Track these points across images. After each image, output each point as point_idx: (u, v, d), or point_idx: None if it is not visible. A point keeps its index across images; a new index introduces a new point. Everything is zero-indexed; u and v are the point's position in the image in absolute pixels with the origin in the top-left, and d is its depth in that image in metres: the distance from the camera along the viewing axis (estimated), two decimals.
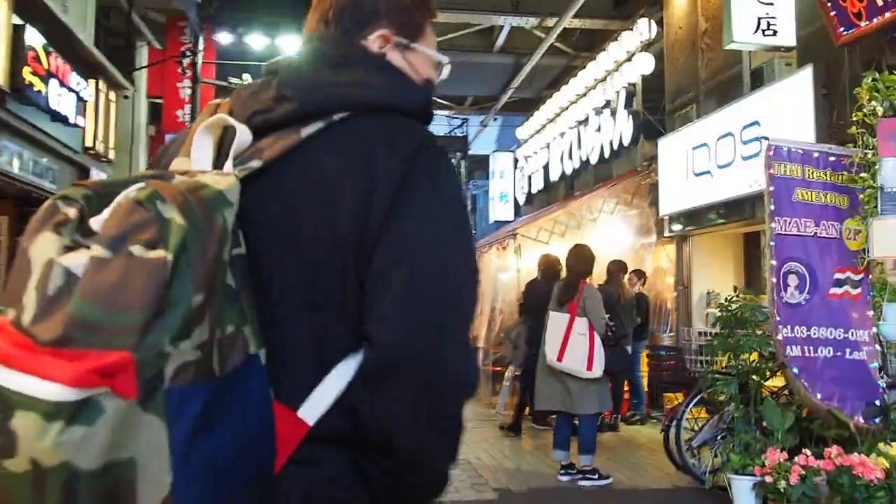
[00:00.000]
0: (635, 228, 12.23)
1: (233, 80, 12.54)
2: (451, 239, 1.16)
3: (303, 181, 1.13)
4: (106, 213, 0.98)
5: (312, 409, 1.10)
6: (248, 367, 1.04)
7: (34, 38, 7.80)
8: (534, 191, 17.99)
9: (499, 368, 13.13)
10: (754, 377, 5.43)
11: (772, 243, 5.30)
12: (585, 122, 14.43)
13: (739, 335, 5.39)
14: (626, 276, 10.17)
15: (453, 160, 21.86)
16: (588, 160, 14.31)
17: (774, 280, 5.18)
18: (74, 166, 9.41)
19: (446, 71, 1.40)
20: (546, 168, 16.97)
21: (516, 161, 19.68)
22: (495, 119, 20.04)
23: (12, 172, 7.83)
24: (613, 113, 13.07)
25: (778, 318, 5.10)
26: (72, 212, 1.00)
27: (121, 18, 11.72)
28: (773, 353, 5.32)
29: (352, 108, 1.16)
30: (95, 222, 0.99)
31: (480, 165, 23.51)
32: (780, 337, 5.10)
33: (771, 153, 5.42)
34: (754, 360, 5.56)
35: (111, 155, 10.21)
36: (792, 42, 8.61)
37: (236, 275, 1.04)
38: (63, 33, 8.46)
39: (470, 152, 21.89)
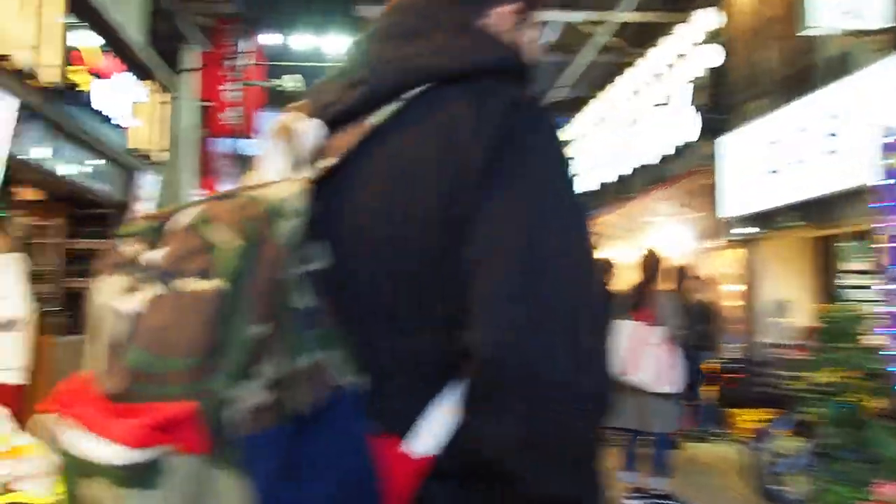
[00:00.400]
0: (694, 232, 11.76)
1: (276, 81, 12.29)
2: (561, 217, 0.96)
3: (380, 174, 0.99)
4: (162, 245, 0.91)
5: (418, 440, 0.94)
6: (338, 401, 0.89)
7: (86, 38, 7.59)
8: (581, 190, 17.47)
9: None
10: (857, 395, 4.93)
11: (890, 245, 4.78)
12: (639, 120, 13.97)
13: (844, 348, 4.88)
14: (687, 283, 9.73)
15: None
16: (643, 161, 13.84)
17: (892, 287, 4.69)
18: (123, 168, 9.16)
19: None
20: (596, 170, 16.52)
21: None
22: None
23: (64, 174, 7.59)
24: (672, 110, 12.58)
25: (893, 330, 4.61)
26: (130, 249, 0.93)
27: (169, 23, 11.53)
28: (877, 369, 4.83)
29: (431, 79, 1.02)
30: (152, 257, 0.91)
31: None
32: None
33: (892, 141, 4.90)
34: (854, 377, 5.06)
35: (160, 157, 9.96)
36: (881, 24, 7.85)
37: (312, 294, 0.88)
38: (114, 34, 8.23)
39: None
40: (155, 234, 0.93)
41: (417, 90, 1.01)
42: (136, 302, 0.87)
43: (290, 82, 12.11)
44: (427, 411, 0.94)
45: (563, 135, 1.07)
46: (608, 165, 15.72)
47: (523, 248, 0.92)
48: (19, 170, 6.77)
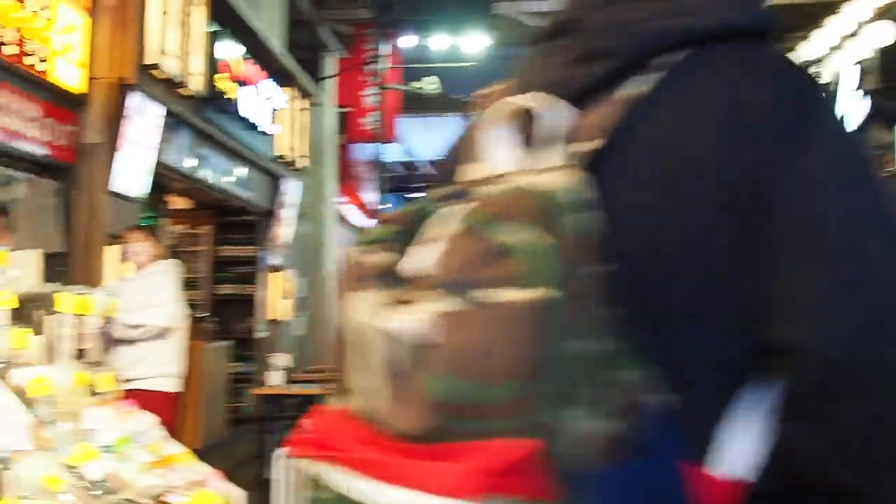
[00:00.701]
0: None
1: (414, 84, 12.16)
2: (869, 191, 0.81)
3: (653, 155, 0.83)
4: (426, 251, 0.76)
5: (724, 459, 0.78)
6: (661, 426, 0.75)
7: (229, 45, 7.62)
8: None
9: None
10: None
11: None
12: None
13: None
14: None
15: None
16: None
17: None
18: (268, 175, 9.21)
19: None
20: None
21: None
22: None
23: (212, 182, 7.64)
24: (838, 96, 11.76)
25: None
26: (378, 259, 0.79)
27: (307, 32, 11.61)
28: None
29: (689, 42, 0.86)
30: (416, 266, 0.77)
31: None
32: None
33: None
34: None
35: (303, 164, 9.99)
36: None
37: (611, 301, 0.73)
38: (256, 42, 8.26)
39: None
40: (402, 239, 0.81)
41: (677, 56, 0.86)
42: (415, 320, 0.73)
43: (428, 84, 11.96)
44: (728, 424, 0.79)
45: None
46: None
47: (843, 231, 0.77)
48: (168, 178, 6.82)
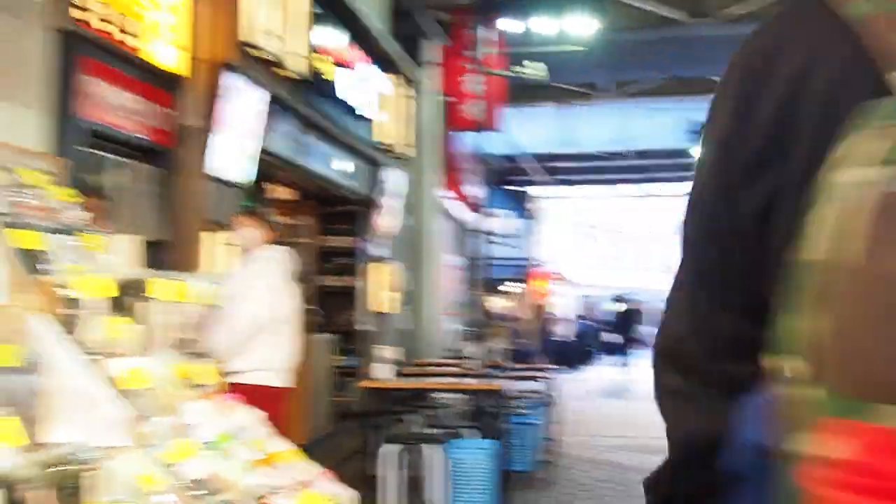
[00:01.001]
0: None
1: (516, 68, 11.73)
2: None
3: None
4: None
5: None
6: None
7: (332, 28, 7.37)
8: None
9: None
10: None
11: None
12: None
13: None
14: None
15: None
16: None
17: None
18: (369, 163, 8.94)
19: None
20: None
21: None
22: None
23: (314, 169, 7.38)
24: None
25: None
26: None
27: (408, 20, 11.31)
28: None
29: None
30: None
31: None
32: None
33: None
34: None
35: (405, 152, 9.69)
36: None
37: None
38: (358, 25, 7.99)
39: None
40: None
41: None
42: None
43: (533, 69, 11.52)
44: None
45: None
46: None
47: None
48: (270, 165, 6.60)
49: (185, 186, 5.27)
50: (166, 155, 5.25)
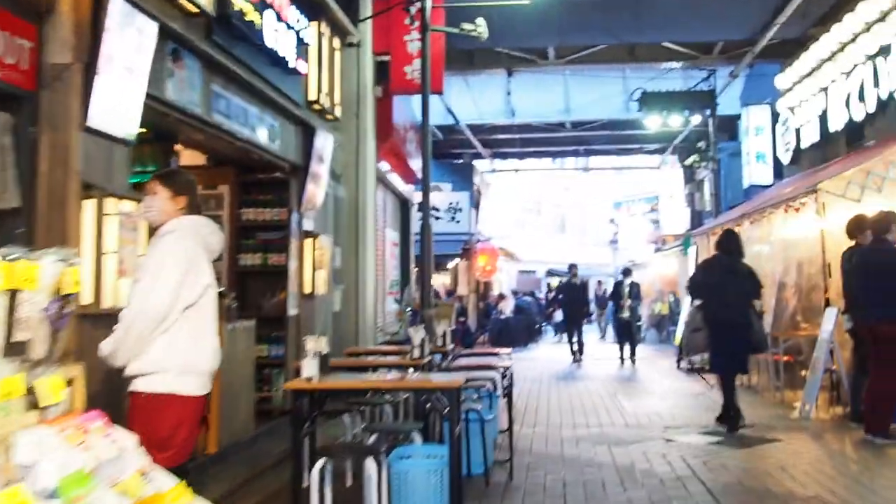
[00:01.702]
0: None
1: (466, 26, 10.65)
2: None
3: None
4: None
5: None
6: None
7: None
8: (803, 146, 15.10)
9: (791, 359, 10.65)
10: None
11: None
12: (887, 50, 11.54)
13: None
14: None
15: (697, 118, 19.16)
16: (891, 98, 11.46)
17: None
18: (297, 123, 7.79)
19: None
20: (823, 118, 14.10)
21: (776, 115, 16.83)
22: (750, 67, 17.03)
23: (230, 128, 6.21)
24: None
25: None
26: None
27: None
28: None
29: None
30: None
31: (721, 125, 20.60)
32: None
33: None
34: None
35: (337, 113, 8.56)
36: None
37: None
38: None
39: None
40: None
41: None
42: None
43: (473, 27, 10.44)
44: None
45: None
46: (837, 111, 13.36)
47: None
48: (170, 118, 5.45)
49: (52, 140, 4.10)
50: (27, 100, 4.09)
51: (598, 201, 43.96)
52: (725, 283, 8.60)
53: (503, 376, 7.48)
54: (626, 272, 18.21)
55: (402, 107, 13.88)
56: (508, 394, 7.35)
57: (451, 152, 26.19)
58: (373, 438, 5.26)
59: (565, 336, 18.47)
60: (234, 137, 6.35)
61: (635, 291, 17.52)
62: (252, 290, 7.76)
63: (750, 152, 17.86)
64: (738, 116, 21.24)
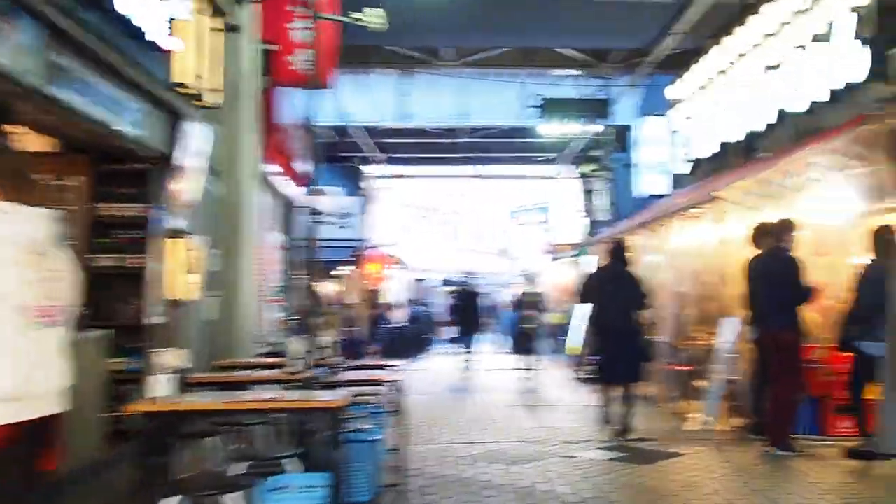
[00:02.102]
0: (865, 190, 9.27)
1: (355, 14, 10.03)
2: None
3: None
4: None
5: None
6: None
7: None
8: (699, 157, 15.05)
9: (689, 368, 10.39)
10: None
11: None
12: (778, 66, 11.51)
13: None
14: None
15: (590, 126, 18.97)
16: (784, 112, 11.42)
17: None
18: (168, 110, 6.96)
19: None
20: (715, 130, 14.06)
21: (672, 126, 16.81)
22: (649, 77, 16.94)
23: (76, 105, 5.35)
24: (828, 47, 10.10)
25: None
26: None
27: None
28: None
29: None
30: None
31: (616, 136, 20.56)
32: None
33: None
34: None
35: (213, 100, 7.75)
36: None
37: None
38: None
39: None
40: None
41: None
42: None
43: (372, 17, 9.82)
44: None
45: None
46: (731, 123, 13.34)
47: None
48: (11, 95, 4.62)
49: None
50: None
51: (492, 210, 43.88)
52: (613, 292, 8.78)
53: (394, 390, 6.86)
54: (530, 279, 17.32)
55: (291, 104, 13.15)
56: (399, 410, 6.73)
57: (343, 155, 25.45)
58: (240, 468, 4.55)
59: (460, 346, 17.67)
60: (85, 118, 5.49)
61: (540, 301, 16.30)
62: (110, 295, 6.88)
63: (646, 162, 17.79)
64: (633, 127, 21.29)
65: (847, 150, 9.17)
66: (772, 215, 9.03)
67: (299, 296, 13.94)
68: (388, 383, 6.44)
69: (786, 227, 7.81)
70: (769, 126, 12.25)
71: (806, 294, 7.51)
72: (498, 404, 11.38)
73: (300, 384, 5.27)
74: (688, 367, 10.35)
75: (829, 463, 7.08)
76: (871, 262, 7.32)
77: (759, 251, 8.11)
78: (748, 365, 8.96)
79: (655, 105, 18.06)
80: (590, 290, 9.38)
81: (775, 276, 7.57)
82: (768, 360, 7.82)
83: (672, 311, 10.71)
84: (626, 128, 21.24)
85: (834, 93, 10.27)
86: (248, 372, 5.98)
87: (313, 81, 10.17)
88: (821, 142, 9.33)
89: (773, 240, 7.82)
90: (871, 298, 7.01)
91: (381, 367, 7.62)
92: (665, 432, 8.56)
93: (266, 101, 10.64)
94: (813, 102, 10.71)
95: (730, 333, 8.90)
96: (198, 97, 7.47)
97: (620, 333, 8.65)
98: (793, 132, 11.71)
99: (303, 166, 15.20)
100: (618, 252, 9.27)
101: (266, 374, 5.88)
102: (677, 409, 10.16)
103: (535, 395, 12.92)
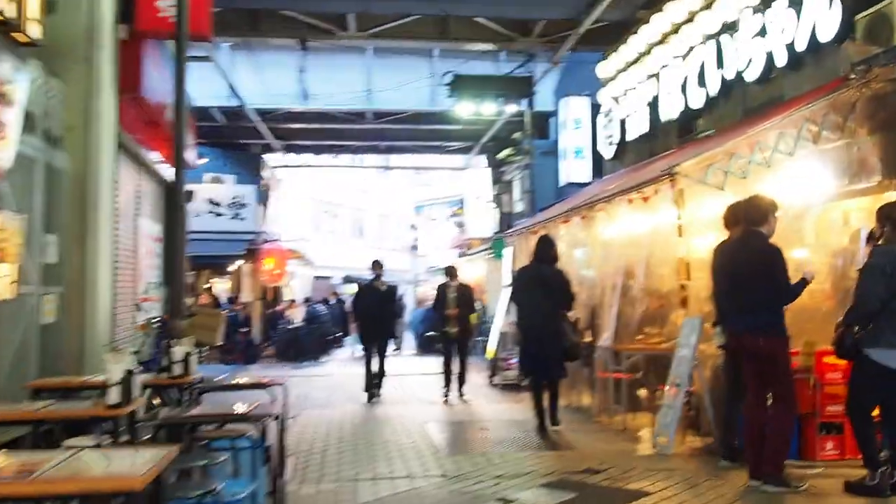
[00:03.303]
0: (839, 168, 7.94)
1: None
2: None
3: None
4: None
5: None
6: None
7: None
8: (629, 138, 13.69)
9: (633, 376, 8.93)
10: None
11: None
12: (733, 27, 10.18)
13: None
14: None
15: (515, 108, 17.41)
16: (739, 79, 10.11)
17: None
18: None
19: None
20: (654, 106, 12.71)
21: (596, 107, 15.41)
22: (572, 52, 15.47)
23: None
24: (796, 4, 8.79)
25: None
26: None
27: None
28: None
29: None
30: None
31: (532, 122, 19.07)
32: None
33: None
34: None
35: (33, 33, 5.81)
36: None
37: None
38: None
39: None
40: None
41: None
42: None
43: None
44: None
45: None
46: (668, 101, 12.02)
47: None
48: None
49: None
50: None
51: (398, 204, 42.15)
52: (537, 293, 8.57)
53: (276, 419, 5.12)
54: (451, 272, 12.63)
55: (167, 73, 11.18)
56: (274, 449, 4.98)
57: (237, 142, 23.33)
58: None
59: (365, 355, 12.30)
60: None
61: (467, 298, 12.38)
62: None
63: (567, 148, 16.38)
64: (551, 113, 19.90)
65: (821, 120, 7.81)
66: (737, 196, 7.67)
67: (173, 294, 11.93)
68: (262, 418, 4.65)
69: (767, 207, 6.36)
70: (711, 100, 10.97)
71: (796, 289, 6.04)
72: (408, 421, 9.64)
73: (114, 427, 3.47)
74: (630, 376, 8.89)
75: (830, 501, 5.65)
76: (875, 247, 5.91)
77: (730, 237, 6.66)
78: (712, 373, 7.53)
79: (576, 87, 16.69)
80: (514, 289, 9.10)
81: (755, 267, 6.09)
82: (741, 370, 6.39)
83: (613, 311, 9.20)
84: (547, 115, 19.89)
85: (796, 57, 9.00)
86: (57, 405, 4.11)
87: (188, 33, 8.24)
88: (791, 109, 7.95)
89: (750, 224, 6.33)
90: (878, 292, 5.62)
91: (260, 386, 5.85)
92: (615, 457, 7.03)
93: (132, 58, 8.68)
94: (768, 70, 9.44)
95: (690, 336, 7.44)
96: (12, 26, 5.55)
97: (544, 334, 8.46)
98: (741, 106, 10.43)
99: (188, 144, 13.20)
100: (542, 250, 8.91)
101: (77, 409, 4.04)
102: (620, 424, 8.68)
103: (451, 407, 11.23)
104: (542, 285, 8.61)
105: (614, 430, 8.59)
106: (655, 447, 7.47)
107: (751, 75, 9.78)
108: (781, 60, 9.18)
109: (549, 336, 8.47)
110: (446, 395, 11.77)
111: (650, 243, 8.79)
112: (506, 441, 8.25)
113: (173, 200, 13.90)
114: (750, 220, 6.35)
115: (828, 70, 8.56)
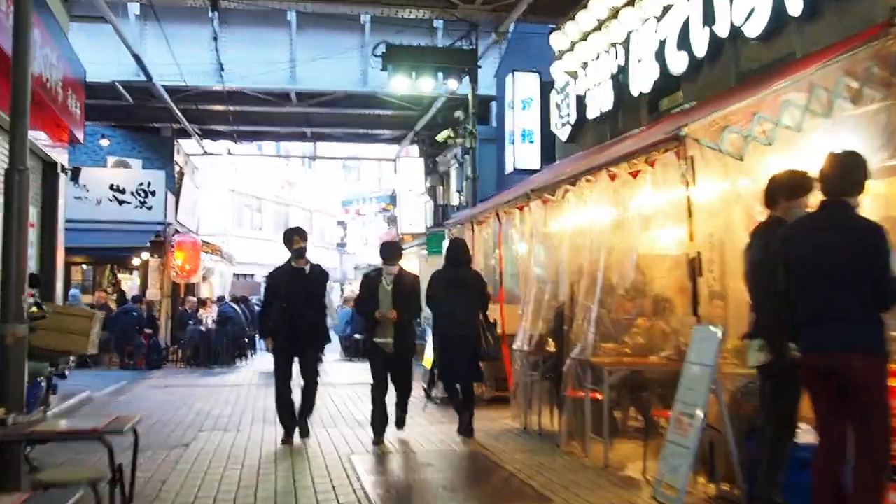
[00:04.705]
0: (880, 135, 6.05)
1: None
2: None
3: None
4: None
5: None
6: None
7: None
8: (589, 117, 11.76)
9: (611, 397, 6.94)
10: None
11: None
12: None
13: None
14: None
15: (457, 84, 15.31)
16: (734, 37, 8.25)
17: None
18: None
19: None
20: (618, 78, 10.82)
21: (547, 84, 13.46)
22: (521, 21, 13.48)
23: None
24: None
25: None
26: None
27: None
28: None
29: None
30: None
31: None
32: None
33: None
34: None
35: None
36: None
37: None
38: None
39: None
40: None
41: None
42: None
43: None
44: None
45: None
46: (644, 66, 10.13)
47: None
48: None
49: None
50: None
51: (326, 199, 39.74)
52: (454, 296, 8.20)
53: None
54: (391, 252, 8.27)
55: (54, 41, 8.91)
56: None
57: (148, 125, 20.77)
58: None
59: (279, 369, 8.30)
60: None
61: (409, 294, 8.10)
62: None
63: (515, 130, 14.35)
64: (492, 98, 17.98)
65: (863, 75, 5.90)
66: (756, 165, 5.77)
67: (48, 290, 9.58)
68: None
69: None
70: (695, 65, 9.09)
71: None
72: (330, 450, 7.47)
73: None
74: (604, 397, 6.88)
75: None
76: None
77: (779, 216, 4.71)
78: (732, 400, 5.56)
79: (527, 65, 14.70)
80: (430, 295, 8.44)
81: (856, 255, 4.07)
82: (790, 400, 4.44)
83: (591, 315, 7.13)
84: (487, 99, 17.94)
85: (813, 4, 7.16)
86: None
87: None
88: (825, 59, 6.02)
89: (838, 193, 4.28)
90: None
91: (93, 433, 3.65)
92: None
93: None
94: (776, 22, 7.59)
95: (707, 350, 5.44)
96: None
97: (463, 339, 8.14)
98: (733, 70, 8.56)
99: (71, 126, 10.85)
100: (455, 254, 8.60)
101: None
102: (599, 457, 6.67)
103: (390, 434, 8.61)
104: (460, 287, 8.23)
105: (594, 466, 6.57)
106: (658, 497, 5.48)
107: (752, 29, 7.89)
108: (796, 8, 7.30)
109: (468, 339, 8.18)
110: (378, 441, 7.86)
111: (640, 230, 6.79)
112: (456, 481, 6.15)
113: (55, 181, 11.55)
114: (838, 188, 4.32)
115: (856, 18, 6.70)
